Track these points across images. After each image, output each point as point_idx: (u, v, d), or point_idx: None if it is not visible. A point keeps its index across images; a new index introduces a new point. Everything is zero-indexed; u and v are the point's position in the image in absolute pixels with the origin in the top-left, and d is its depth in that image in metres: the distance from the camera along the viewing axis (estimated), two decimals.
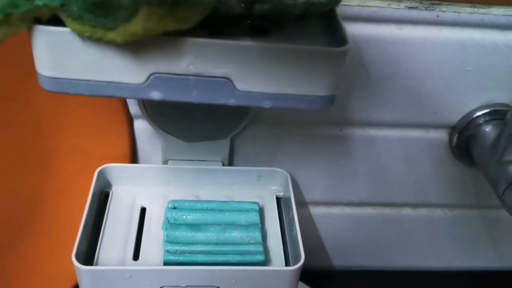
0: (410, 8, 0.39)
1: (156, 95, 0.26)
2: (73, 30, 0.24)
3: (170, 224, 0.38)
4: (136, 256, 0.37)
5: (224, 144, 0.45)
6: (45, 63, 0.25)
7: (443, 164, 0.49)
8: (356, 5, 0.39)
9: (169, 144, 0.44)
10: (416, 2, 0.39)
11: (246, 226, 0.39)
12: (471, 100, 0.45)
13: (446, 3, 0.39)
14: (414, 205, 0.53)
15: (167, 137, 0.43)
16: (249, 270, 0.35)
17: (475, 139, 0.45)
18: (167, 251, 0.36)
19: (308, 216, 0.52)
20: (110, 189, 0.42)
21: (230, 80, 0.26)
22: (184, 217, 0.39)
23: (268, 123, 0.45)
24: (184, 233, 0.38)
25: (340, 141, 0.47)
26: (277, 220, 0.41)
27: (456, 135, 0.46)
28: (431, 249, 0.56)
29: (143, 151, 0.47)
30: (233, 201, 0.41)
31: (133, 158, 0.46)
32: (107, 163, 0.42)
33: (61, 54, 0.25)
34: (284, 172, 0.44)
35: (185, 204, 0.40)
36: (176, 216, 0.39)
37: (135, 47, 0.25)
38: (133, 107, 0.44)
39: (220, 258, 0.36)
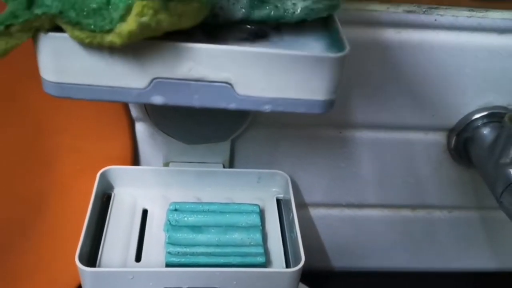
0: (408, 12, 0.40)
1: (158, 100, 0.27)
2: (73, 37, 0.24)
3: (171, 226, 0.39)
4: (138, 258, 0.38)
5: (225, 146, 0.45)
6: (48, 68, 0.26)
7: (441, 166, 0.49)
8: (355, 9, 0.39)
9: (170, 146, 0.44)
10: (414, 6, 0.39)
11: (247, 228, 0.39)
12: (469, 102, 0.45)
13: (444, 7, 0.40)
14: (413, 207, 0.53)
15: (168, 140, 0.44)
16: (250, 271, 0.35)
17: (473, 142, 0.45)
18: (169, 252, 0.37)
19: (308, 217, 0.53)
20: (112, 191, 0.43)
21: (231, 85, 0.27)
22: (186, 219, 0.40)
23: (268, 126, 0.46)
24: (185, 235, 0.38)
25: (339, 143, 0.48)
26: (277, 222, 0.42)
27: (454, 137, 0.47)
28: (430, 250, 0.57)
29: (144, 153, 0.47)
30: (234, 203, 0.42)
31: (135, 160, 0.47)
32: (108, 165, 0.43)
33: (64, 60, 0.25)
34: (284, 174, 0.44)
35: (187, 206, 0.41)
36: (177, 218, 0.40)
37: (137, 52, 0.25)
38: (135, 110, 0.44)
39: (221, 260, 0.37)
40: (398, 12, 0.40)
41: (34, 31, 0.24)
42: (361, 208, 0.52)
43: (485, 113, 0.45)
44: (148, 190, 0.43)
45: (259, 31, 0.30)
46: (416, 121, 0.46)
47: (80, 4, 0.23)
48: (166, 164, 0.45)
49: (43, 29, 0.24)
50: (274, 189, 0.45)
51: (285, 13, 0.29)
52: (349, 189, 0.51)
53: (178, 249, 0.37)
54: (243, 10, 0.28)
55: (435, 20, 0.40)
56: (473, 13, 0.40)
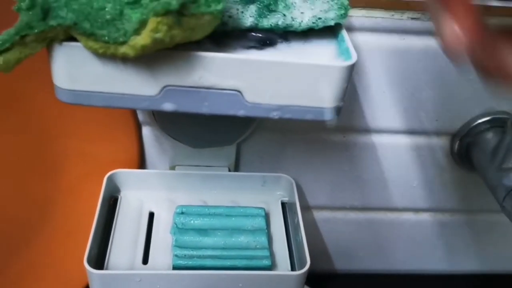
0: (412, 19, 0.40)
1: (168, 107, 0.27)
2: (87, 48, 0.25)
3: (178, 229, 0.39)
4: (145, 260, 0.38)
5: (231, 150, 0.45)
6: (62, 76, 0.26)
7: (444, 170, 0.50)
8: (360, 16, 0.40)
9: (176, 150, 0.45)
10: (419, 14, 0.40)
11: (253, 231, 0.40)
12: (472, 108, 0.45)
13: None
14: (416, 210, 0.53)
15: (174, 143, 0.44)
16: (255, 274, 0.36)
17: (476, 146, 0.46)
18: (176, 255, 0.37)
19: (312, 220, 0.53)
20: (119, 194, 0.43)
21: (240, 93, 0.27)
22: (192, 222, 0.40)
23: (273, 130, 0.46)
24: (192, 238, 0.39)
25: (343, 147, 0.48)
26: (282, 225, 0.42)
27: (457, 142, 0.47)
28: (433, 252, 0.57)
29: (150, 157, 0.48)
30: (239, 206, 0.42)
31: (141, 163, 0.47)
32: (115, 168, 0.43)
33: (77, 68, 0.26)
34: (289, 177, 0.44)
35: (193, 209, 0.41)
36: (184, 221, 0.40)
37: (148, 60, 0.26)
38: (142, 114, 0.44)
39: (227, 263, 0.37)
40: (402, 19, 0.40)
41: (48, 41, 0.25)
42: (364, 211, 0.53)
43: (488, 118, 0.46)
44: (154, 193, 0.43)
45: (267, 38, 0.30)
46: (419, 126, 0.47)
47: (94, 16, 0.23)
48: (172, 168, 0.46)
49: (57, 39, 0.25)
50: (279, 193, 0.45)
51: (293, 22, 0.29)
52: (353, 192, 0.51)
53: (185, 251, 0.38)
54: (252, 18, 0.29)
55: None
56: None
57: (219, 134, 0.44)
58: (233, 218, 0.41)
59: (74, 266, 0.42)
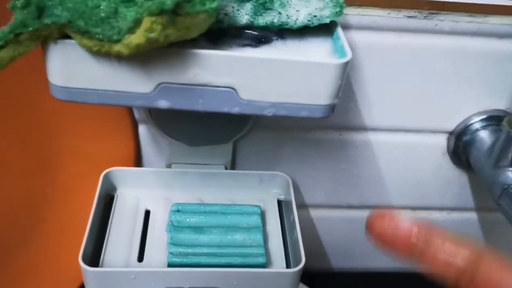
0: (409, 17, 0.40)
1: (163, 104, 0.27)
2: (82, 45, 0.25)
3: (174, 227, 0.39)
4: (140, 258, 0.38)
5: (227, 148, 0.45)
6: (56, 73, 0.26)
7: (441, 168, 0.50)
8: (356, 14, 0.40)
9: (173, 148, 0.45)
10: (415, 12, 0.40)
11: (248, 229, 0.40)
12: (468, 106, 0.46)
13: (445, 12, 0.40)
14: (413, 208, 0.53)
15: (171, 141, 0.44)
16: (250, 272, 0.36)
17: (472, 144, 0.46)
18: (171, 253, 0.37)
19: (309, 218, 0.53)
20: (115, 192, 0.43)
21: (234, 90, 0.27)
22: (188, 219, 0.40)
23: (269, 128, 0.46)
24: (187, 235, 0.39)
25: (340, 145, 0.48)
26: (278, 223, 0.42)
27: (454, 140, 0.47)
28: None
29: (147, 155, 0.48)
30: (235, 204, 0.42)
31: (137, 161, 0.47)
32: (111, 166, 0.43)
33: (72, 65, 0.26)
34: (285, 175, 0.44)
35: (189, 207, 0.41)
36: (180, 219, 0.40)
37: (143, 58, 0.26)
38: (138, 112, 0.44)
39: (223, 260, 0.37)
40: (399, 17, 0.40)
41: (43, 39, 0.25)
42: (361, 209, 0.53)
43: (484, 116, 0.46)
44: (150, 191, 0.43)
45: (263, 36, 0.30)
46: (416, 124, 0.47)
47: (88, 14, 0.23)
48: (169, 166, 0.46)
49: (52, 37, 0.25)
50: (275, 191, 0.45)
51: (288, 20, 0.29)
52: (349, 190, 0.51)
53: (180, 249, 0.38)
54: (247, 16, 0.29)
55: (436, 25, 0.41)
56: (473, 18, 0.41)
57: (215, 132, 0.44)
58: (229, 216, 0.41)
59: (70, 264, 0.42)
